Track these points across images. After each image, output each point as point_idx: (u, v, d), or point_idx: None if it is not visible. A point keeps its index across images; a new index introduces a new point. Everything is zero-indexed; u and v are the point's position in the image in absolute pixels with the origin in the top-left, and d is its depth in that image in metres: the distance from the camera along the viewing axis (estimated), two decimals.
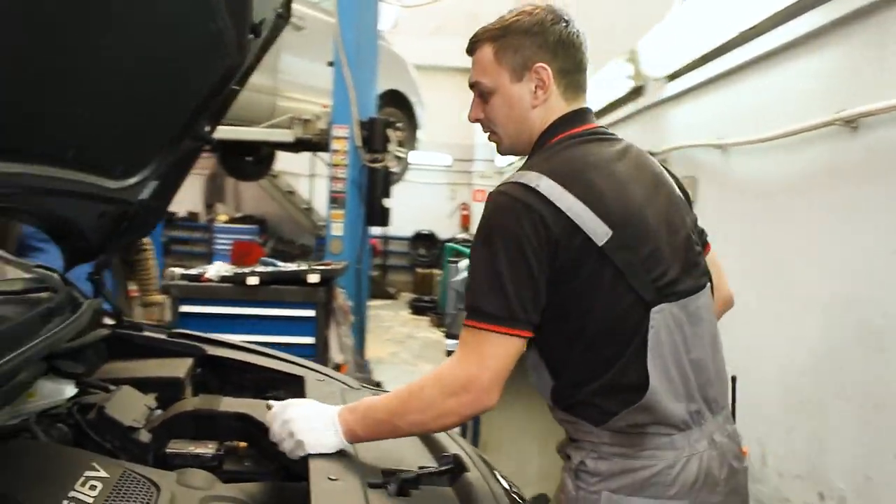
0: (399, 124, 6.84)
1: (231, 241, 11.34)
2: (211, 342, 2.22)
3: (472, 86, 1.55)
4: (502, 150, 1.60)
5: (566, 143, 1.49)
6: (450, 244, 9.43)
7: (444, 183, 15.67)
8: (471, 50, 1.57)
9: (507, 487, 1.49)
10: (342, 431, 1.45)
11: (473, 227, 12.27)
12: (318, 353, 3.97)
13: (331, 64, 5.88)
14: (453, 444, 1.61)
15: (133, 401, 1.66)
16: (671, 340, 1.42)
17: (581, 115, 1.54)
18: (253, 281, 3.88)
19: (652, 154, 1.64)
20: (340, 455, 1.44)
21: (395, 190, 6.82)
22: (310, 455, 1.42)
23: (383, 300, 12.70)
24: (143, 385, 1.81)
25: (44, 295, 1.67)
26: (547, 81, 1.50)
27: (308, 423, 1.45)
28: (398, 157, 7.14)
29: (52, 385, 1.55)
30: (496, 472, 1.55)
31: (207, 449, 1.56)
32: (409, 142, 8.18)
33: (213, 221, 12.63)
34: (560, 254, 1.37)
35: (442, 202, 15.64)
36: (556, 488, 1.69)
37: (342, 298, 4.35)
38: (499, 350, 1.37)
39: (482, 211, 1.42)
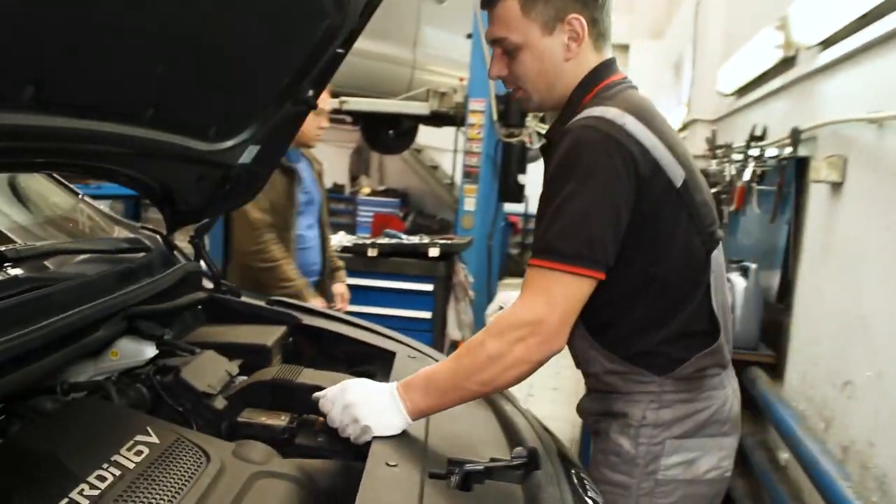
0: None
1: (373, 213, 11.58)
2: (308, 311, 2.19)
3: (494, 42, 1.46)
4: (531, 108, 1.55)
5: (619, 88, 1.45)
6: None
7: None
8: (488, 3, 1.46)
9: (583, 490, 1.34)
10: (405, 409, 1.36)
11: None
12: (436, 328, 3.92)
13: (469, 36, 5.78)
14: (533, 435, 1.47)
15: (214, 366, 1.64)
16: (717, 285, 1.46)
17: (612, 64, 1.50)
18: (373, 252, 3.87)
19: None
20: (407, 439, 1.35)
21: (534, 167, 6.65)
22: (374, 438, 1.34)
23: (520, 278, 12.52)
24: (229, 351, 1.79)
25: (133, 255, 1.68)
26: (581, 33, 1.43)
27: (370, 405, 1.36)
28: (538, 133, 6.97)
29: (133, 345, 1.55)
30: (576, 472, 1.40)
31: (279, 421, 1.52)
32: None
33: (357, 194, 12.95)
34: (644, 195, 1.35)
35: None
36: (594, 453, 1.57)
37: (463, 274, 4.27)
38: (571, 291, 1.33)
39: (563, 145, 1.36)
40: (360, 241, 4.06)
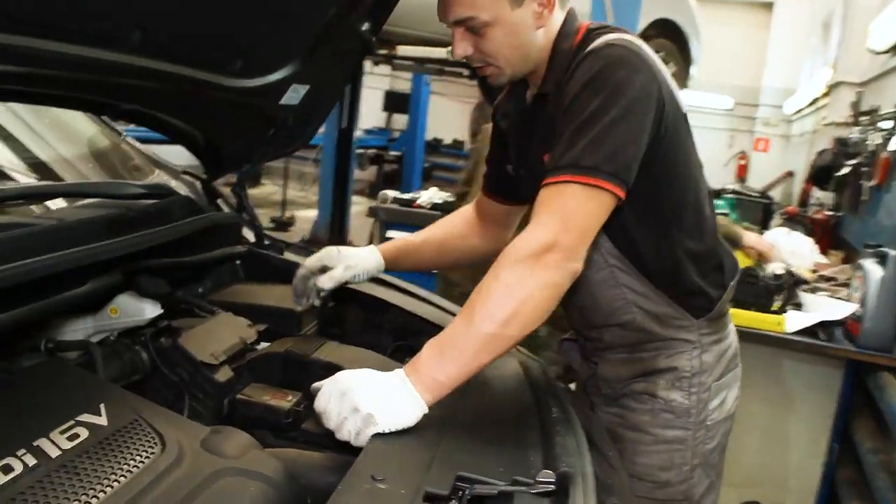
0: (668, 58, 6.10)
1: None
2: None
3: (458, 23, 1.36)
4: (501, 82, 1.47)
5: (603, 28, 1.41)
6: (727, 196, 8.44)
7: (722, 128, 14.19)
8: None
9: None
10: (420, 390, 1.14)
11: (751, 180, 11.08)
12: None
13: None
14: (576, 450, 1.19)
15: (225, 331, 1.46)
16: None
17: (574, 15, 1.46)
18: None
19: None
20: (411, 443, 1.11)
21: None
22: (374, 437, 1.11)
23: None
24: (255, 313, 1.61)
25: (143, 201, 1.50)
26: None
27: (374, 390, 1.13)
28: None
29: (134, 303, 1.38)
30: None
31: (284, 402, 1.32)
32: (680, 78, 7.37)
33: None
34: (664, 116, 1.34)
35: (718, 149, 14.20)
36: (632, 416, 1.53)
37: None
38: (589, 206, 1.25)
39: (585, 67, 1.31)
40: (452, 199, 3.81)
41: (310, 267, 1.61)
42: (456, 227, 1.78)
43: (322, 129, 7.34)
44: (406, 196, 3.84)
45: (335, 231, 6.52)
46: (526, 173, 1.55)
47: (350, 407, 1.12)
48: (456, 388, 1.18)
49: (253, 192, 9.61)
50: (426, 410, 1.15)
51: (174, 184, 1.79)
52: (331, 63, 1.75)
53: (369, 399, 1.12)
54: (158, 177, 1.79)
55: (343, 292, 1.86)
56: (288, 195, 8.79)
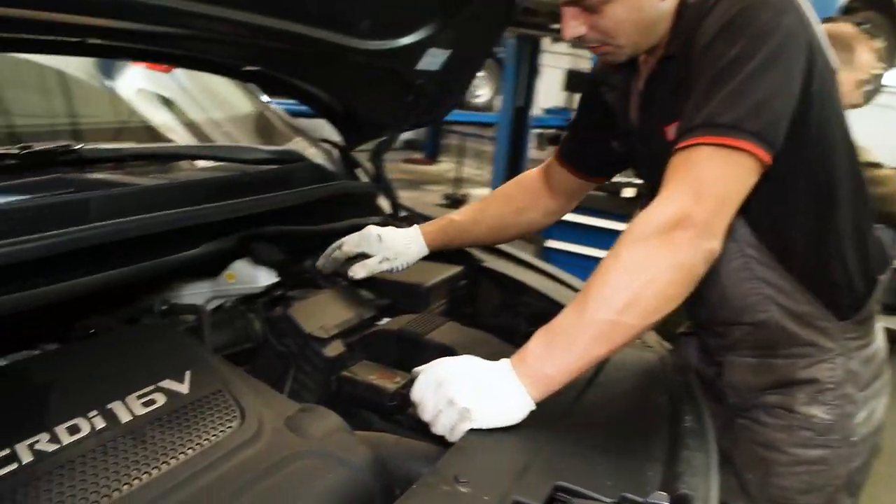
0: (875, 31, 5.39)
1: None
2: (501, 254, 1.86)
3: (571, 2, 1.17)
4: (616, 61, 1.26)
5: None
6: None
7: None
8: None
9: None
10: (526, 383, 1.00)
11: None
12: None
13: None
14: (705, 468, 1.00)
15: (341, 305, 1.40)
16: None
17: None
18: (629, 192, 3.39)
19: None
20: (509, 441, 0.98)
21: (862, 114, 5.48)
22: (468, 433, 0.99)
23: None
24: (380, 287, 1.55)
25: (264, 166, 1.47)
26: None
27: (474, 381, 1.01)
28: (874, 75, 5.69)
29: (249, 269, 1.35)
30: None
31: (391, 383, 1.23)
32: (889, 55, 6.49)
33: None
34: (816, 67, 1.13)
35: None
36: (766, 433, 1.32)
37: None
38: (726, 173, 1.04)
39: (721, 9, 1.11)
40: (618, 180, 3.57)
41: (346, 252, 1.49)
42: (513, 202, 1.61)
43: (498, 108, 7.27)
44: None
45: None
46: (643, 149, 1.34)
47: (446, 399, 1.01)
48: (570, 384, 1.04)
49: (429, 168, 9.77)
50: (532, 407, 1.01)
51: (312, 152, 1.76)
52: (471, 28, 1.63)
53: (468, 391, 1.00)
54: (296, 144, 1.77)
55: (478, 271, 1.76)
56: (464, 173, 8.80)
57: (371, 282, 1.54)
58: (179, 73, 1.90)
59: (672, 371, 1.27)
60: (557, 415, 1.05)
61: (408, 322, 1.38)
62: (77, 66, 1.73)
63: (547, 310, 1.65)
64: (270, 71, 1.46)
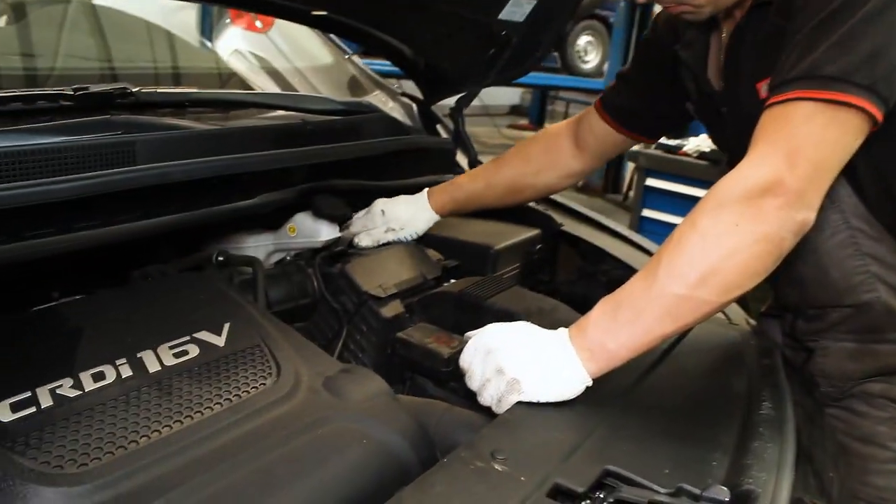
0: None
1: None
2: (584, 219, 1.75)
3: None
4: (695, 20, 1.12)
5: None
6: None
7: None
8: None
9: None
10: (584, 357, 0.92)
11: None
12: None
13: None
14: (780, 466, 0.88)
15: (405, 264, 1.34)
16: None
17: None
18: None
19: None
20: (556, 423, 0.89)
21: None
22: (516, 406, 0.91)
23: None
24: (448, 247, 1.48)
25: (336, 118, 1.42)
26: None
27: (526, 350, 0.93)
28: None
29: (311, 223, 1.31)
30: None
31: (447, 347, 1.16)
32: None
33: None
34: None
35: None
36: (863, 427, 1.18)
37: None
38: (827, 133, 0.91)
39: None
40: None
41: (353, 231, 1.43)
42: (532, 163, 1.51)
43: (605, 72, 7.00)
44: (672, 142, 3.44)
45: (609, 178, 6.24)
46: (728, 112, 1.19)
47: (494, 367, 0.94)
48: (636, 359, 0.94)
49: (531, 133, 9.57)
50: (588, 383, 0.93)
51: (391, 105, 1.70)
52: None
53: (518, 361, 0.93)
54: (374, 97, 1.71)
55: (557, 236, 1.66)
56: None
57: (439, 241, 1.48)
58: (274, 34, 1.89)
59: (756, 352, 1.14)
60: (617, 393, 0.96)
61: (470, 285, 1.31)
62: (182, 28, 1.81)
63: (627, 278, 1.55)
64: (335, 14, 1.40)
